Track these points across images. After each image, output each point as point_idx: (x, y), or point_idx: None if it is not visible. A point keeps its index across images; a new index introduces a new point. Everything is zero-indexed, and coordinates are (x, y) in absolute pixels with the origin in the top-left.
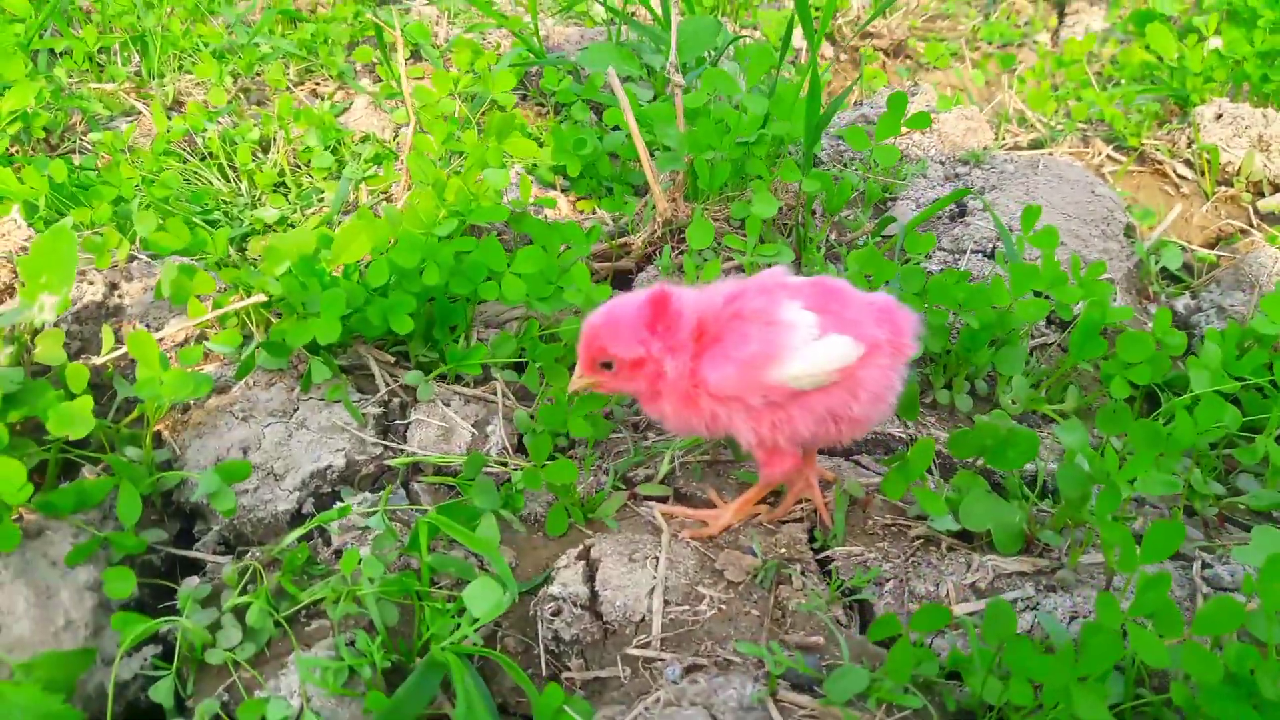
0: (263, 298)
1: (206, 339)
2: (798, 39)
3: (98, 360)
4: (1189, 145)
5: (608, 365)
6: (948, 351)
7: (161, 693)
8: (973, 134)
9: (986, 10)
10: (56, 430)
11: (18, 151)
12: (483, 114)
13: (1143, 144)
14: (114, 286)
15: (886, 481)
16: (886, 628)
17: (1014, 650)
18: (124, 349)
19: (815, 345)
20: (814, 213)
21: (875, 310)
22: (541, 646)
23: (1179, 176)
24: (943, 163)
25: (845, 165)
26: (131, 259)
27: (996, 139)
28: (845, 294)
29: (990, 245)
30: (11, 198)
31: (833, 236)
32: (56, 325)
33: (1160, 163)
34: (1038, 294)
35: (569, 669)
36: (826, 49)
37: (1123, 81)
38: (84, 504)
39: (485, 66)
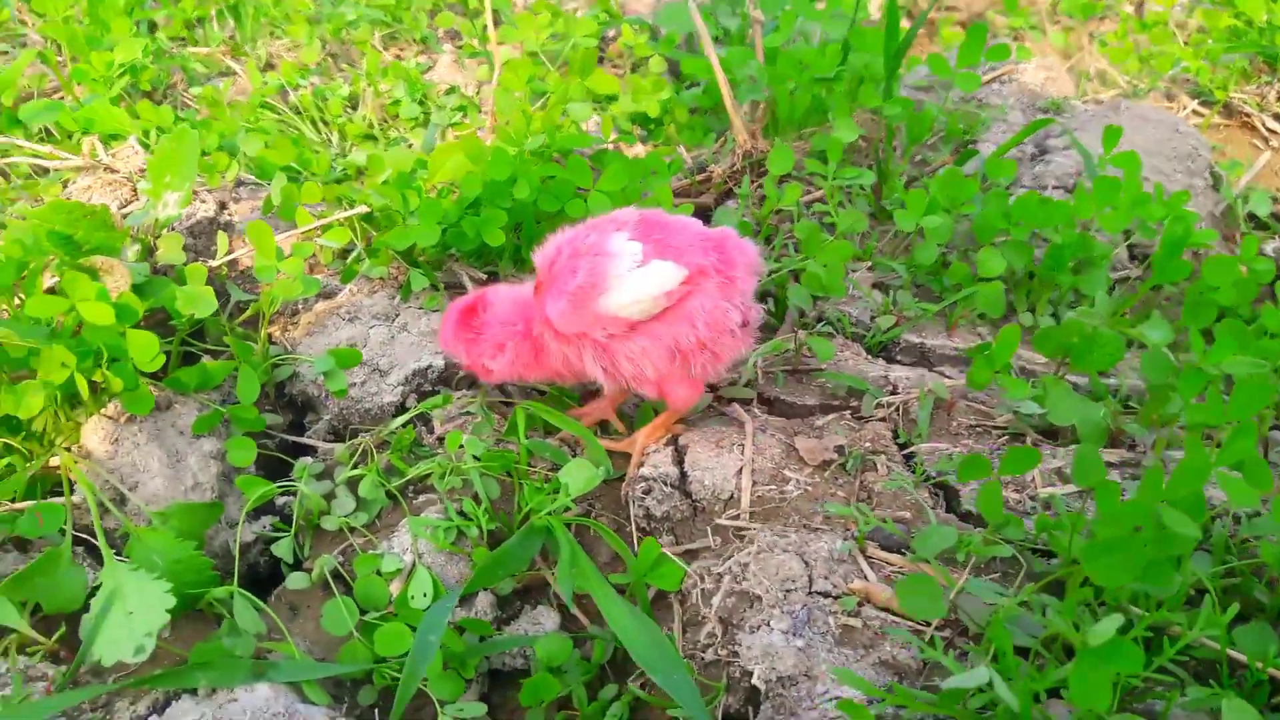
0: (364, 209)
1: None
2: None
3: (213, 263)
4: (1279, 99)
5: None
6: (1030, 275)
7: (283, 549)
8: (1052, 84)
9: None
10: (184, 309)
11: (125, 106)
12: (563, 64)
13: (1230, 97)
14: (223, 206)
15: (972, 370)
16: (977, 468)
17: (1103, 493)
18: (235, 255)
19: (637, 272)
20: (894, 149)
21: (703, 239)
22: (633, 524)
23: (1268, 130)
24: (1022, 110)
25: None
26: (239, 183)
27: (1078, 90)
28: (673, 225)
29: (1071, 181)
30: (125, 133)
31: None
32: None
33: (1248, 115)
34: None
35: (659, 544)
36: (904, 22)
37: (1210, 41)
38: (206, 383)
39: (530, 20)
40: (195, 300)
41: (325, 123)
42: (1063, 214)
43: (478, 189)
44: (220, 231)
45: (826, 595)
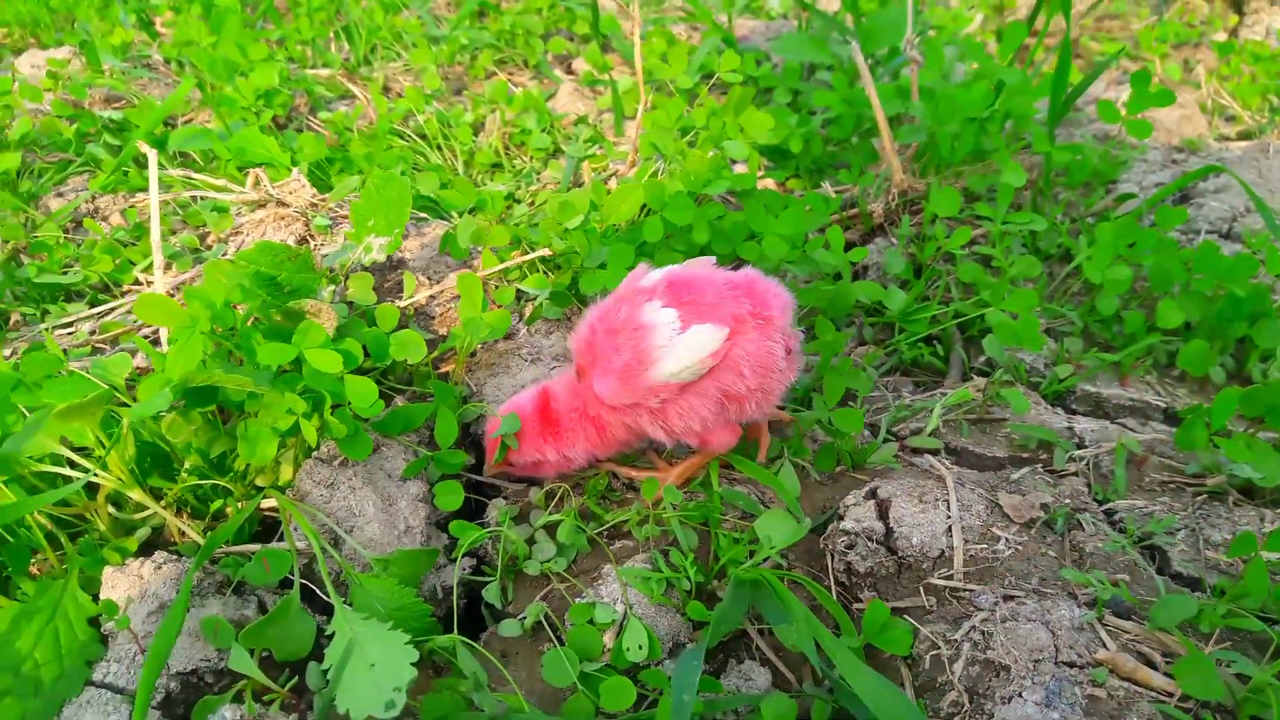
0: (546, 251)
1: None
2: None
3: (400, 303)
4: None
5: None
6: (1187, 326)
7: (491, 594)
8: (1187, 122)
9: (1159, 9)
10: (397, 354)
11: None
12: (696, 100)
13: None
14: None
15: (1185, 430)
16: (1245, 545)
17: None
18: (419, 297)
19: (680, 340)
20: (1054, 193)
21: (730, 288)
22: (832, 578)
23: None
24: (1159, 149)
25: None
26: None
27: (1211, 127)
28: (700, 281)
29: (1225, 226)
30: (276, 161)
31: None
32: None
33: None
34: None
35: (859, 600)
36: (994, 48)
37: None
38: (409, 426)
39: (681, 55)
40: (407, 346)
41: (451, 150)
42: (1248, 267)
43: (660, 234)
44: (407, 272)
45: (1072, 665)
